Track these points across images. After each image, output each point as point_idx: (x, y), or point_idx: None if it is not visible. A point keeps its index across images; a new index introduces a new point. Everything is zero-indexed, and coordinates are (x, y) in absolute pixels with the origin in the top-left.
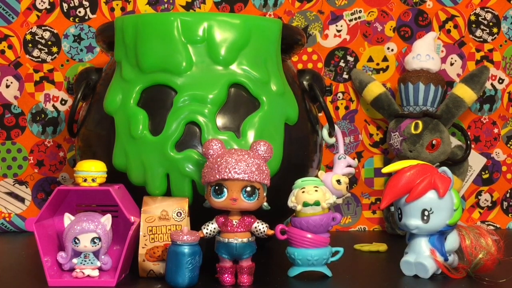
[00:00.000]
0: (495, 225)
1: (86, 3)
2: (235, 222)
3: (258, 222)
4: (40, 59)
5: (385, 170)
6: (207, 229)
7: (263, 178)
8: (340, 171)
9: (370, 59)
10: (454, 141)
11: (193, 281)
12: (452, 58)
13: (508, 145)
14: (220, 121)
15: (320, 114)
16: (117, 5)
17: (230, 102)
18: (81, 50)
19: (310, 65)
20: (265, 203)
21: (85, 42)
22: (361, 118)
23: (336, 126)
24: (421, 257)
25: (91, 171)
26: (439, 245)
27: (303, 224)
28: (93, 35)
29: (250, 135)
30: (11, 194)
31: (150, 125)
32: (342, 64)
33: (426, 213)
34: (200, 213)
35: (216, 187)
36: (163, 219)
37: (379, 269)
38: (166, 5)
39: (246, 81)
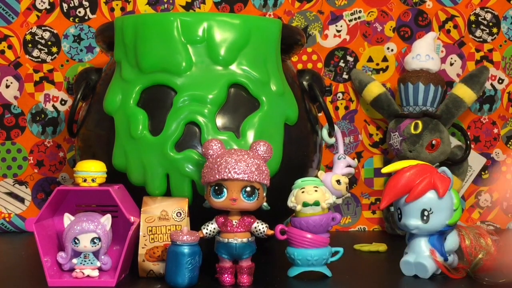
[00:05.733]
0: (495, 225)
1: (86, 3)
2: (235, 222)
3: (258, 222)
4: (40, 59)
5: (385, 170)
6: (207, 229)
7: (262, 178)
8: (340, 171)
9: (370, 59)
10: (454, 141)
11: (193, 281)
12: (452, 58)
13: (508, 145)
14: (220, 121)
15: (320, 114)
16: (117, 5)
17: (230, 102)
18: (81, 50)
19: (310, 65)
20: (265, 203)
21: (85, 42)
22: (361, 118)
23: (336, 126)
24: (421, 257)
25: (91, 171)
26: (439, 245)
27: (302, 224)
28: (93, 35)
29: (250, 135)
30: (11, 194)
31: (150, 125)
32: (342, 64)
33: (425, 213)
34: (200, 213)
35: (216, 187)
36: (163, 219)
37: (379, 269)
38: (166, 5)
39: (246, 81)
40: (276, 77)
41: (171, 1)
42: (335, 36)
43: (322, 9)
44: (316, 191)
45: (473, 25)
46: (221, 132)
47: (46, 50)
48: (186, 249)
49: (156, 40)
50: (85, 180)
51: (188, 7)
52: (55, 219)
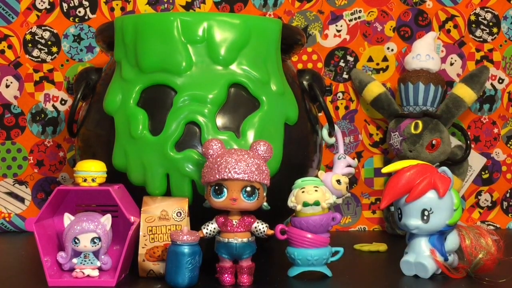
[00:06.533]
0: (495, 225)
1: (86, 3)
2: (235, 222)
3: (258, 222)
4: (40, 59)
5: (385, 170)
6: (207, 229)
7: (263, 178)
8: (340, 171)
9: (370, 59)
10: (454, 141)
11: (193, 281)
12: (452, 58)
13: (508, 145)
14: (220, 121)
15: (320, 114)
16: (117, 5)
17: (230, 102)
18: (81, 50)
19: (310, 65)
20: (265, 203)
21: (85, 42)
22: (361, 118)
23: (336, 126)
24: (421, 257)
25: (91, 171)
26: (439, 245)
27: (303, 224)
28: (93, 35)
29: (250, 135)
30: (11, 194)
31: (150, 125)
32: (342, 64)
33: (426, 213)
34: (200, 213)
35: (216, 187)
36: (163, 219)
37: (379, 269)
38: (166, 5)
39: (246, 81)
40: (276, 77)
41: (171, 1)
42: (335, 36)
43: (322, 9)
44: (316, 191)
45: (473, 25)
46: (221, 132)
47: (46, 50)
48: (186, 249)
49: (156, 40)
50: (85, 180)
51: (188, 7)
52: (55, 219)
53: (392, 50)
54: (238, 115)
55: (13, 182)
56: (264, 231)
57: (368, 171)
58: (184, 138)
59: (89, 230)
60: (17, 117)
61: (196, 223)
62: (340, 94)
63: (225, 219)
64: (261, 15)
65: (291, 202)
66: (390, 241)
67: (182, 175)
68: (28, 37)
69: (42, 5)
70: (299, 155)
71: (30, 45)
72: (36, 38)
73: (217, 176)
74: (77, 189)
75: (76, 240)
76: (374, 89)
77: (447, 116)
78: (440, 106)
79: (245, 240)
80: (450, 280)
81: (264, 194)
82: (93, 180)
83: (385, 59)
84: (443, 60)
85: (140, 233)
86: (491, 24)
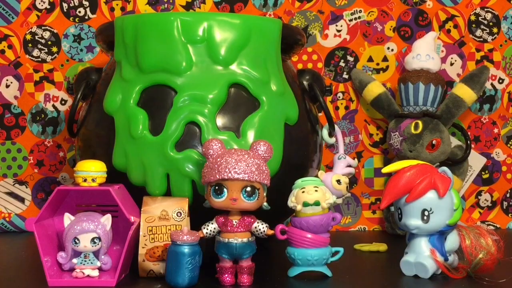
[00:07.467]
0: (495, 225)
1: (86, 3)
2: (235, 222)
3: (258, 222)
4: (40, 59)
5: (385, 170)
6: (207, 229)
7: (263, 178)
8: (340, 171)
9: (370, 59)
10: (454, 141)
11: (193, 281)
12: (452, 58)
13: (508, 145)
14: (220, 121)
15: (320, 114)
16: (117, 5)
17: (230, 102)
18: (81, 50)
19: (310, 65)
20: (265, 203)
21: (85, 42)
22: (361, 118)
23: (336, 126)
24: (421, 257)
25: (91, 171)
26: (439, 245)
27: (303, 224)
28: (93, 35)
29: (250, 135)
30: (11, 194)
31: (150, 125)
32: (342, 64)
33: (426, 213)
34: (200, 213)
35: (216, 187)
36: (163, 219)
37: (379, 269)
38: (166, 5)
39: (246, 81)
40: (276, 77)
41: (171, 1)
42: (335, 36)
43: (322, 9)
44: (316, 191)
45: (473, 25)
46: (221, 132)
47: (46, 50)
48: (186, 249)
49: (156, 40)
50: (85, 180)
51: (188, 7)
52: (55, 219)
53: (392, 50)
54: (238, 115)
55: (13, 182)
56: (264, 231)
57: (368, 171)
58: (184, 138)
59: (89, 230)
60: (17, 117)
61: (196, 223)
62: (340, 94)
63: (225, 219)
64: (261, 15)
65: (291, 202)
66: (390, 241)
67: (182, 175)
68: (28, 37)
69: (42, 5)
70: (299, 155)
71: (30, 45)
72: (36, 38)
73: (217, 176)
74: (77, 189)
75: (76, 240)
76: (374, 89)
77: (447, 116)
78: (440, 106)
79: (245, 240)
80: (450, 280)
81: (264, 194)
82: (93, 180)
83: (385, 59)
84: (443, 60)
85: (140, 233)
86: (491, 24)
